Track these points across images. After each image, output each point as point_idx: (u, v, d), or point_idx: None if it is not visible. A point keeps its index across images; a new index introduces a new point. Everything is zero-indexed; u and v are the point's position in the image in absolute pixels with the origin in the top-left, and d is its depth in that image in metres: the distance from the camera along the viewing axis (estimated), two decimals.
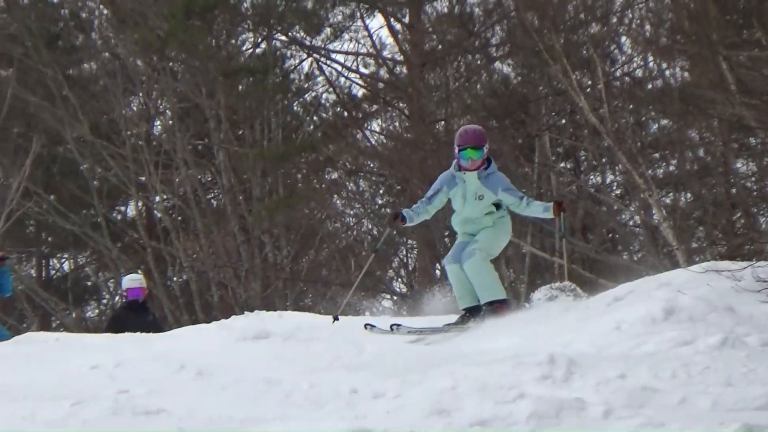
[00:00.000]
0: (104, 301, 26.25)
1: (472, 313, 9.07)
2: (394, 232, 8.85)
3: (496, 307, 8.96)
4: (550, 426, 5.21)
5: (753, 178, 21.33)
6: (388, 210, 24.87)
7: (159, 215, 24.40)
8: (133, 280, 13.80)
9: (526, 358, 6.58)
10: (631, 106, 21.81)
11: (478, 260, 9.02)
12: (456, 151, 9.12)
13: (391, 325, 9.01)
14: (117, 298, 24.78)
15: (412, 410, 5.69)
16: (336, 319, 9.25)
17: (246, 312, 12.29)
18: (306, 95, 26.28)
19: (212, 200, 25.51)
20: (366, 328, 9.06)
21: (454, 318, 9.40)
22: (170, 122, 24.59)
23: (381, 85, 26.50)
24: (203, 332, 10.00)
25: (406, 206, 10.69)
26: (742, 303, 7.97)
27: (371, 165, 26.22)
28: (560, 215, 9.22)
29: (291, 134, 24.63)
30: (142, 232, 24.11)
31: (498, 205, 9.13)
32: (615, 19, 22.97)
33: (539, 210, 9.16)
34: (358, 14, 25.12)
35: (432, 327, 9.21)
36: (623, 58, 23.36)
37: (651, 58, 22.81)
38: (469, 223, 9.24)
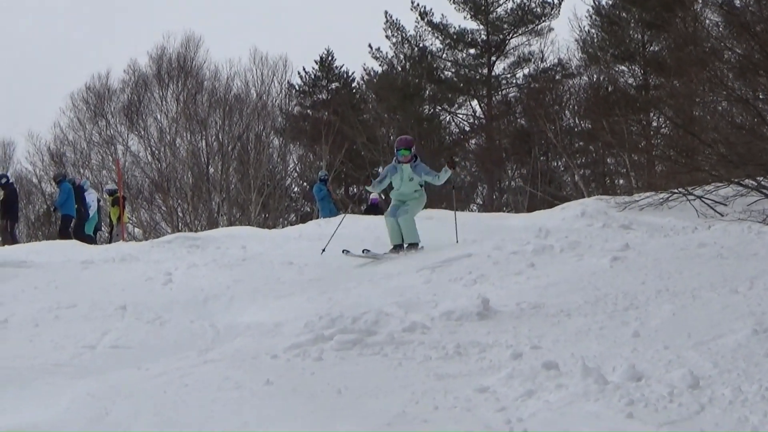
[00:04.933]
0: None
1: (397, 248, 10.60)
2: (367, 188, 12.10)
3: (411, 245, 10.59)
4: (540, 255, 8.27)
5: (612, 165, 33.20)
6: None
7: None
8: (374, 195, 19.43)
9: (530, 228, 10.22)
10: (569, 136, 32.94)
11: (409, 218, 10.72)
12: (395, 151, 10.77)
13: (363, 250, 10.14)
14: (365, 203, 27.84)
15: (485, 247, 8.77)
16: (323, 250, 10.50)
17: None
18: (447, 128, 40.86)
19: None
20: (343, 252, 10.18)
21: (385, 250, 10.64)
22: (393, 136, 33.27)
23: (476, 124, 40.06)
24: None
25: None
26: (611, 211, 12.51)
27: (471, 156, 39.40)
28: (453, 169, 10.64)
29: (440, 143, 37.97)
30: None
31: (421, 185, 10.77)
32: (564, 100, 34.08)
33: (445, 175, 10.63)
34: (467, 99, 40.08)
35: (374, 253, 10.34)
36: (568, 117, 34.13)
37: (578, 119, 33.42)
38: (402, 195, 10.83)
